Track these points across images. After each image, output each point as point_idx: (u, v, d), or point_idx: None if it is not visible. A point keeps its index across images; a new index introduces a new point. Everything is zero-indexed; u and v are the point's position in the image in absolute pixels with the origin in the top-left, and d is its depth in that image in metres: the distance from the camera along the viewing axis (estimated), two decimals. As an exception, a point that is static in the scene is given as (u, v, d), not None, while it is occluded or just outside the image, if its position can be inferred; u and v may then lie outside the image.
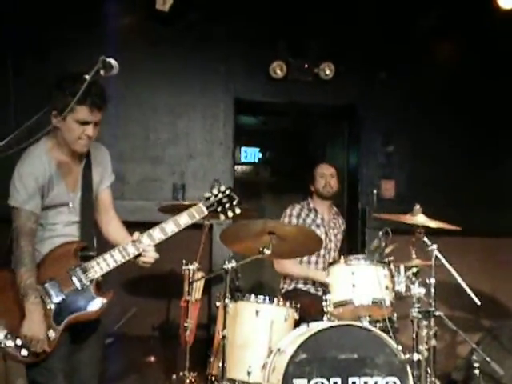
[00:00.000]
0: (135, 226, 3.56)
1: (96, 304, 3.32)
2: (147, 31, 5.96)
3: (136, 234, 3.39)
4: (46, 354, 3.22)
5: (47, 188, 3.29)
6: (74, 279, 3.29)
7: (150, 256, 3.39)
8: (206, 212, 3.47)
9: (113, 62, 2.92)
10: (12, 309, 3.22)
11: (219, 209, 3.51)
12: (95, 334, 3.48)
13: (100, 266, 3.32)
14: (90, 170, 3.48)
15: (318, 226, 5.28)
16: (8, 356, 3.25)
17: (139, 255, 3.38)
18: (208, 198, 3.51)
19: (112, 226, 3.62)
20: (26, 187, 3.24)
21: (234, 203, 3.53)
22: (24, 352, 3.20)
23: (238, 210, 3.54)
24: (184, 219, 3.43)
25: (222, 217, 3.54)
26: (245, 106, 6.38)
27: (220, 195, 3.50)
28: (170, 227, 3.41)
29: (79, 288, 3.29)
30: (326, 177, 5.34)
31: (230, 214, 3.53)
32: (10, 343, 3.18)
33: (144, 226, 3.47)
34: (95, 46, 5.30)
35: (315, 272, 5.13)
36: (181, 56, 6.07)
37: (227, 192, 3.53)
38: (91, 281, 3.31)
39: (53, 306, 3.25)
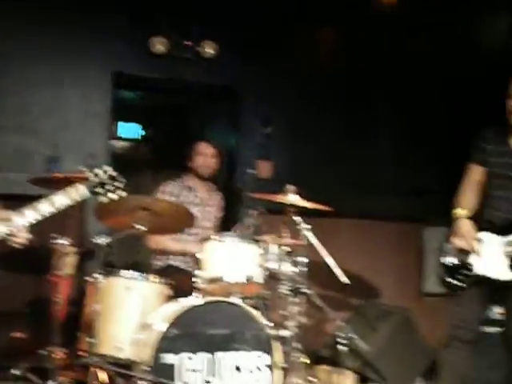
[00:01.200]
0: (8, 199, 3.44)
1: None
2: (25, 2, 5.76)
3: (7, 213, 3.26)
4: None
5: None
6: None
7: (22, 237, 3.28)
8: (86, 193, 3.38)
9: None
10: None
11: (101, 191, 3.41)
12: None
13: None
14: None
15: (194, 204, 5.25)
16: None
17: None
18: (88, 179, 3.40)
19: None
20: None
21: (119, 186, 3.45)
22: None
23: (123, 194, 3.48)
24: (61, 200, 3.32)
25: (104, 199, 3.45)
26: (125, 80, 6.28)
27: (103, 176, 3.41)
28: (45, 208, 3.28)
29: None
30: (206, 156, 5.29)
31: (114, 196, 3.46)
32: None
33: (17, 199, 3.36)
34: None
35: (191, 245, 5.04)
36: (60, 26, 5.91)
37: (111, 173, 3.44)
38: None
39: None
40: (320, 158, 6.49)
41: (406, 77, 6.62)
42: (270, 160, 6.46)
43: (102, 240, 4.17)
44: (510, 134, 4.10)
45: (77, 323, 4.90)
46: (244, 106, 6.55)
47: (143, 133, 8.74)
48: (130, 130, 8.65)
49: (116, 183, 3.44)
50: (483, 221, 4.06)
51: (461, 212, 4.08)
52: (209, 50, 6.18)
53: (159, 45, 6.06)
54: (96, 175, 3.40)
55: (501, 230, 3.98)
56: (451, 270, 4.07)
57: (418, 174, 6.51)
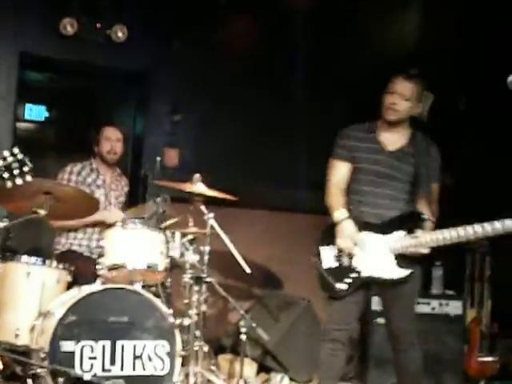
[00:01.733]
0: None
1: None
2: None
3: None
4: None
5: None
6: None
7: None
8: None
9: None
10: None
11: (6, 175, 3.22)
12: None
13: None
14: None
15: (98, 186, 5.18)
16: None
17: None
18: None
19: None
20: None
21: (26, 169, 3.27)
22: None
23: (28, 178, 3.30)
24: None
25: (9, 184, 3.27)
26: (32, 60, 6.12)
27: (10, 159, 3.22)
28: None
29: None
30: (112, 141, 5.21)
31: (19, 181, 3.27)
32: None
33: None
34: None
35: (100, 213, 4.92)
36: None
37: (19, 156, 3.25)
38: None
39: None
40: (228, 147, 6.50)
41: (322, 67, 6.68)
42: (177, 148, 6.43)
43: (1, 224, 4.06)
44: (379, 129, 4.15)
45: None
46: (153, 92, 6.50)
47: (47, 115, 8.54)
48: (35, 112, 8.44)
49: (24, 167, 3.27)
50: (357, 220, 4.05)
51: (342, 214, 4.05)
52: (119, 33, 6.09)
53: (69, 26, 5.91)
54: (3, 158, 3.22)
55: (382, 228, 4.02)
56: (336, 274, 4.08)
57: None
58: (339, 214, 4.05)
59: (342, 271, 4.04)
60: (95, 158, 5.28)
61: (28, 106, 8.25)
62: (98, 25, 6.05)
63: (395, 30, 6.84)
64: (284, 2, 6.55)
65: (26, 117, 8.27)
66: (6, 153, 3.22)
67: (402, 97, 4.00)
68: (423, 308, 5.60)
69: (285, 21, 6.64)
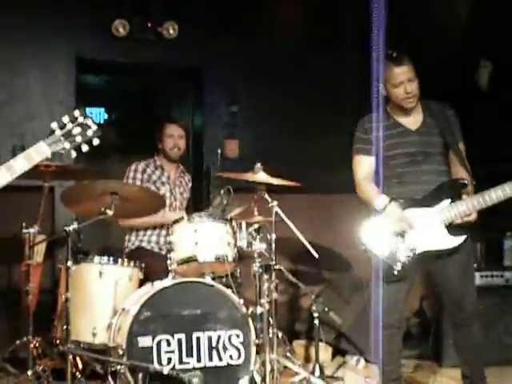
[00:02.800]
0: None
1: None
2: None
3: None
4: None
5: None
6: None
7: None
8: (48, 153, 2.79)
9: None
10: None
11: (67, 145, 2.78)
12: None
13: None
14: None
15: (163, 183, 5.26)
16: None
17: None
18: (53, 132, 2.79)
19: None
20: None
21: (90, 133, 2.81)
22: None
23: (95, 141, 2.85)
24: (20, 164, 2.81)
25: (74, 154, 2.84)
26: (87, 64, 6.25)
27: (70, 125, 2.78)
28: (4, 176, 2.80)
29: None
30: (175, 138, 5.27)
31: (85, 147, 2.82)
32: None
33: None
34: None
35: (157, 216, 4.96)
36: (20, 12, 5.82)
37: (81, 120, 2.80)
38: None
39: None
40: (286, 134, 6.50)
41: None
42: (237, 139, 6.47)
43: (72, 227, 4.14)
44: (396, 115, 4.08)
45: (50, 311, 4.91)
46: (209, 85, 6.54)
47: (107, 117, 8.68)
48: (95, 115, 8.59)
49: (87, 131, 2.82)
50: (402, 199, 3.98)
51: (383, 200, 3.97)
52: (171, 30, 6.15)
53: (121, 28, 6.01)
54: (62, 126, 2.81)
55: (425, 201, 3.95)
56: (391, 258, 4.02)
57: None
58: (380, 200, 3.99)
59: (395, 254, 3.99)
60: (159, 155, 5.34)
61: (88, 109, 8.40)
62: (149, 24, 6.11)
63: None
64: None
65: (86, 120, 8.41)
66: (66, 118, 2.80)
67: (411, 81, 3.93)
68: (497, 280, 5.48)
69: (336, 4, 6.59)
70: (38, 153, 2.79)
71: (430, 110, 4.08)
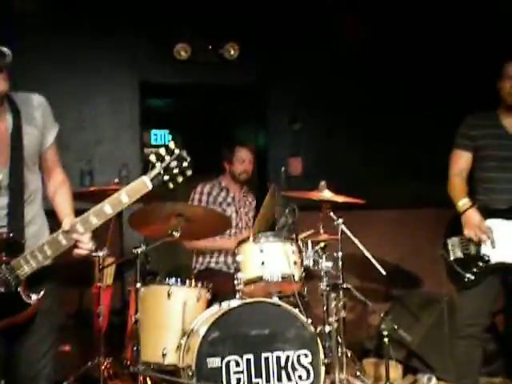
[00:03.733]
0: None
1: (25, 306, 2.89)
2: (49, 15, 5.84)
3: (68, 222, 2.87)
4: None
5: None
6: (0, 281, 2.84)
7: (86, 248, 2.90)
8: (149, 186, 2.82)
9: (5, 50, 2.70)
10: None
11: (166, 177, 2.81)
12: (36, 324, 3.02)
13: (29, 264, 2.85)
14: (19, 133, 2.92)
15: (228, 204, 5.31)
16: None
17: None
18: (153, 166, 2.82)
19: (54, 194, 3.14)
20: None
21: (185, 165, 2.83)
22: None
23: (189, 172, 2.86)
24: (124, 198, 2.83)
25: (171, 185, 2.85)
26: (151, 88, 6.35)
27: (168, 158, 2.81)
28: (107, 209, 2.83)
29: (6, 290, 2.85)
30: (246, 163, 5.32)
31: (181, 179, 2.85)
32: None
33: (53, 214, 3.18)
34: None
35: (224, 240, 5.09)
36: (84, 40, 5.97)
37: (177, 152, 2.82)
38: (19, 282, 2.86)
39: None
40: (349, 150, 6.47)
41: (437, 64, 6.57)
42: (300, 156, 6.47)
43: (140, 249, 4.20)
44: (502, 115, 4.07)
45: (121, 332, 4.98)
46: (271, 104, 6.57)
47: (170, 138, 8.80)
48: (160, 137, 8.72)
49: (183, 163, 2.83)
50: (484, 207, 3.97)
51: (466, 203, 3.99)
52: (231, 51, 6.21)
53: (183, 51, 6.11)
54: (161, 159, 2.82)
55: (508, 213, 3.92)
56: (464, 264, 3.98)
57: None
58: (463, 203, 4.01)
59: (469, 261, 3.98)
60: (224, 175, 5.39)
61: (153, 131, 8.55)
62: (210, 46, 6.19)
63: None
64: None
65: (152, 142, 8.56)
66: (162, 151, 2.82)
67: None
68: None
69: (396, 18, 6.55)
70: (140, 187, 2.83)
71: None
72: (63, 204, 3.12)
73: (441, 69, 6.59)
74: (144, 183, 2.81)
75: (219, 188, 5.34)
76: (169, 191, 2.90)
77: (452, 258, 4.06)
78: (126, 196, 2.84)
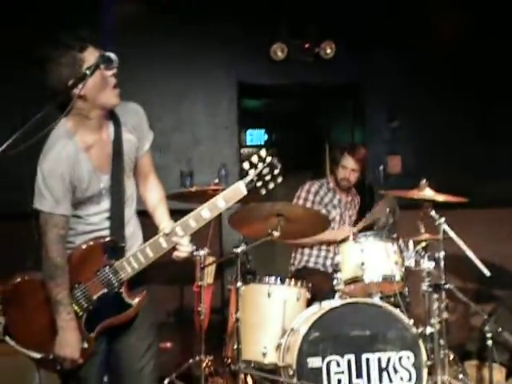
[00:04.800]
0: (144, 215, 3.31)
1: (128, 307, 3.02)
2: (147, 18, 5.98)
3: (169, 225, 3.00)
4: (80, 364, 2.98)
5: (77, 181, 2.89)
6: (104, 282, 2.97)
7: (185, 250, 3.01)
8: (245, 192, 2.93)
9: (112, 55, 2.79)
10: (44, 322, 2.98)
11: (259, 183, 2.93)
12: (136, 323, 3.11)
13: (131, 266, 2.97)
14: (119, 141, 3.01)
15: (334, 206, 5.29)
16: (42, 367, 3.16)
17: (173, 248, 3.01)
18: (247, 172, 2.93)
19: (150, 199, 3.23)
20: (52, 189, 2.84)
21: (276, 172, 2.93)
22: (57, 366, 2.98)
23: (279, 179, 2.96)
24: (220, 203, 2.95)
25: (263, 191, 2.98)
26: (248, 89, 6.40)
27: (260, 165, 2.91)
28: (206, 214, 2.95)
29: (109, 291, 2.98)
30: (347, 171, 5.25)
31: (272, 185, 2.96)
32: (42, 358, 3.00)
33: (143, 214, 3.26)
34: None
35: (329, 232, 4.91)
36: (181, 43, 6.08)
37: (268, 160, 2.92)
38: (122, 283, 2.98)
39: (83, 314, 2.97)
40: (448, 148, 6.34)
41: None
42: (399, 154, 6.38)
43: (241, 248, 4.24)
44: None
45: (221, 331, 5.04)
46: (368, 102, 6.51)
47: (266, 137, 8.85)
48: (256, 137, 8.79)
49: (274, 170, 2.92)
50: None
51: None
52: (328, 50, 6.19)
53: (279, 51, 6.13)
54: (254, 166, 2.92)
55: None
56: None
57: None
58: None
59: None
60: (332, 177, 5.39)
61: (249, 131, 8.62)
62: (307, 45, 6.18)
63: None
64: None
65: (248, 142, 8.64)
66: (255, 158, 2.93)
67: None
68: None
69: (492, 15, 6.40)
70: (236, 192, 2.95)
71: None
72: (160, 208, 3.20)
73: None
74: (239, 189, 2.93)
75: (327, 188, 5.32)
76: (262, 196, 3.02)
77: None
78: (222, 201, 2.95)
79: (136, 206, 3.18)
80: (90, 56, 2.79)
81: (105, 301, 2.99)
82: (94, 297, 2.98)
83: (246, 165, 2.93)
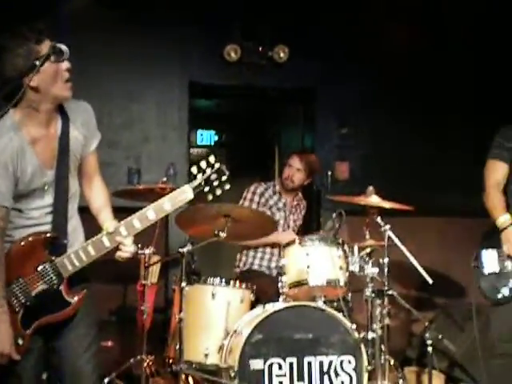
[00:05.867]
0: (85, 211, 3.26)
1: (66, 305, 2.97)
2: (100, 15, 5.92)
3: (112, 224, 2.99)
4: (15, 361, 2.88)
5: (20, 173, 2.85)
6: (44, 278, 2.92)
7: (128, 250, 3.00)
8: (191, 195, 2.93)
9: (63, 47, 2.79)
10: None
11: (206, 188, 2.94)
12: (75, 321, 3.07)
13: (72, 263, 2.93)
14: (67, 137, 2.98)
15: (279, 209, 5.30)
16: None
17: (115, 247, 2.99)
18: (195, 177, 2.93)
19: (95, 199, 3.22)
20: None
21: (224, 179, 2.94)
22: None
23: (227, 186, 2.97)
24: (166, 205, 2.94)
25: (210, 197, 2.97)
26: (199, 89, 6.39)
27: (208, 171, 2.93)
28: (151, 215, 2.94)
29: (49, 288, 2.93)
30: (292, 169, 5.29)
31: (219, 192, 2.97)
32: None
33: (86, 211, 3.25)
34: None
35: (275, 235, 4.96)
36: (135, 40, 6.03)
37: (217, 166, 2.94)
38: (62, 280, 2.94)
39: (20, 309, 2.90)
40: (395, 157, 6.43)
41: (481, 77, 6.51)
42: (347, 161, 6.43)
43: (186, 248, 4.21)
44: None
45: (164, 331, 5.01)
46: (319, 108, 6.56)
47: (216, 139, 8.84)
48: (206, 138, 8.78)
49: (222, 176, 2.94)
50: None
51: (506, 219, 3.92)
52: (281, 54, 6.21)
53: (233, 52, 6.13)
54: (202, 171, 2.93)
55: None
56: (499, 279, 3.92)
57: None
58: (504, 219, 3.94)
59: (504, 277, 3.94)
60: (279, 181, 5.41)
61: (199, 131, 8.60)
62: (261, 48, 6.19)
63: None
64: (445, 11, 6.42)
65: (198, 142, 8.62)
66: (204, 163, 2.94)
67: None
68: None
69: (448, 30, 6.51)
70: (183, 196, 2.94)
71: None
72: (105, 210, 3.20)
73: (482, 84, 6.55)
74: (186, 192, 2.93)
75: (272, 191, 5.34)
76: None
77: (486, 273, 4.00)
78: (168, 203, 2.94)
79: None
80: (46, 49, 2.77)
81: (43, 297, 2.94)
82: (33, 293, 2.92)
83: (194, 169, 2.94)
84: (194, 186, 2.92)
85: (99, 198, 3.24)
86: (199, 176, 2.93)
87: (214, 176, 2.93)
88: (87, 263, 2.96)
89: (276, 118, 7.88)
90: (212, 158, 2.95)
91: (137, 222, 2.94)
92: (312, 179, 5.52)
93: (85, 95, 3.11)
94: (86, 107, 3.12)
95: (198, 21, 6.13)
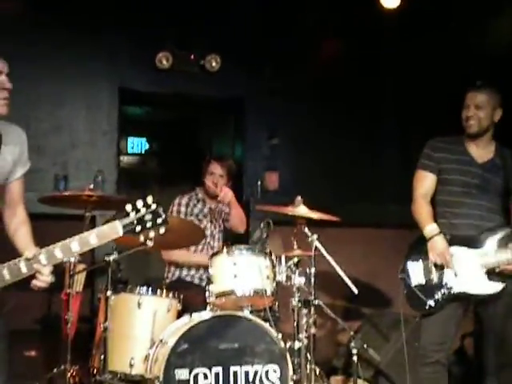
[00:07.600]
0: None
1: None
2: (27, 17, 5.81)
3: (32, 251, 2.85)
4: None
5: None
6: None
7: (44, 280, 2.87)
8: (121, 233, 2.83)
9: None
10: None
11: (138, 228, 2.83)
12: None
13: None
14: None
15: (204, 215, 5.29)
16: None
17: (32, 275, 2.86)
18: (127, 214, 2.81)
19: (15, 228, 3.12)
20: None
21: (159, 221, 2.83)
22: None
23: (162, 230, 2.87)
24: (93, 240, 2.84)
25: (142, 238, 2.88)
26: (130, 95, 6.34)
27: (143, 211, 2.81)
28: (75, 247, 2.82)
29: None
30: (215, 176, 5.28)
31: (152, 234, 2.86)
32: None
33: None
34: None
35: (201, 256, 5.09)
36: (64, 44, 5.95)
37: (153, 207, 2.81)
38: None
39: None
40: (325, 168, 6.50)
41: (410, 89, 6.65)
42: (277, 171, 6.47)
43: (112, 257, 4.16)
44: (467, 143, 4.10)
45: (89, 340, 4.92)
46: (250, 118, 6.58)
47: (148, 147, 8.78)
48: (136, 145, 8.69)
49: (158, 219, 2.83)
50: (448, 233, 3.98)
51: (433, 229, 3.99)
52: (213, 63, 6.22)
53: (164, 60, 6.10)
54: (136, 210, 2.81)
55: (472, 241, 3.94)
56: (425, 290, 3.99)
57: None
58: (431, 228, 4.00)
59: (431, 287, 3.99)
60: (201, 188, 5.38)
61: (130, 139, 8.52)
62: (193, 56, 6.18)
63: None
64: (374, 25, 6.54)
65: (129, 150, 8.53)
66: (140, 203, 2.81)
67: (477, 108, 3.98)
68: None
69: (378, 44, 6.62)
70: (112, 232, 2.86)
71: (502, 153, 4.10)
72: (26, 239, 3.10)
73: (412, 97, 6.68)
74: (115, 228, 2.83)
75: (196, 199, 5.33)
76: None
77: (413, 284, 4.07)
78: (95, 237, 2.85)
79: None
80: None
81: None
82: None
83: (128, 207, 2.82)
84: (125, 223, 2.82)
85: (21, 229, 3.13)
86: (132, 214, 2.81)
87: (148, 217, 2.82)
88: (1, 286, 2.85)
89: (208, 126, 7.87)
90: (150, 199, 2.83)
91: (58, 251, 2.82)
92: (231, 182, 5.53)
93: (11, 99, 3.05)
94: (21, 133, 3.09)
95: (130, 26, 6.09)
